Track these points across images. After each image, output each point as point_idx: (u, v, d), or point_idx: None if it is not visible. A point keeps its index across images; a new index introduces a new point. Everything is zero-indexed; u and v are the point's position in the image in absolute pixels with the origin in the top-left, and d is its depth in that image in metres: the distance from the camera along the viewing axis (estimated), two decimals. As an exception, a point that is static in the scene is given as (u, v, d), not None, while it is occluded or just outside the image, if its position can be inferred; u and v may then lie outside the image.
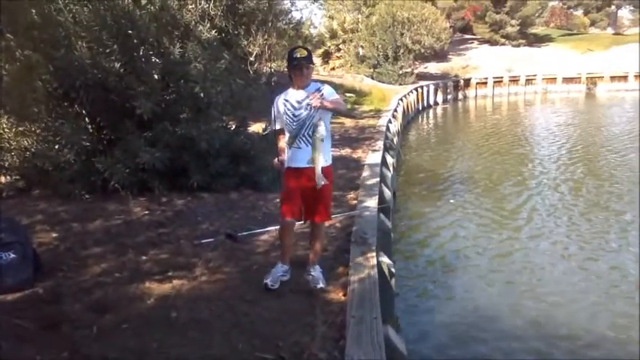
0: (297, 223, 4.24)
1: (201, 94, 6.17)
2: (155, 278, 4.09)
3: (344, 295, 3.97)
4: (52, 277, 4.04)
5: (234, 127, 7.14)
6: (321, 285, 4.06)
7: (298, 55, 3.84)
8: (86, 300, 3.72)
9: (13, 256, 3.81)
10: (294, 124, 3.89)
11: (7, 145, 6.12)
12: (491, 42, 32.92)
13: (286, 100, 3.94)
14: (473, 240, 7.32)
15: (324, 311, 3.77)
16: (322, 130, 3.73)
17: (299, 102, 3.88)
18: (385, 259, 4.82)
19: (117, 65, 5.73)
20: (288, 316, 3.68)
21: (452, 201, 9.13)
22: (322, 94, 3.82)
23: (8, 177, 6.19)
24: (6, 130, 6.09)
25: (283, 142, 3.98)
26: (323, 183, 3.84)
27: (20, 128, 6.06)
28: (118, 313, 3.57)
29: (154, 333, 3.36)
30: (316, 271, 4.14)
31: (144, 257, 4.49)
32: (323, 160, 3.87)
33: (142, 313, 3.60)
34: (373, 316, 3.62)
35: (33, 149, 6.04)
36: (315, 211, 4.05)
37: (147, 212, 5.61)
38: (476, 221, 8.10)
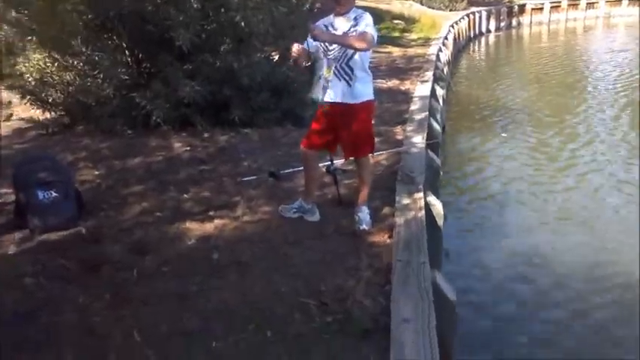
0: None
1: (242, 24, 5.86)
2: (196, 218, 3.98)
3: (390, 237, 3.79)
4: (94, 216, 3.99)
5: (276, 58, 6.84)
6: (364, 227, 3.89)
7: None
8: (127, 240, 3.65)
9: (55, 195, 3.76)
10: (329, 52, 3.61)
11: (51, 80, 6.05)
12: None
13: (325, 26, 3.64)
14: (525, 176, 6.95)
15: (369, 254, 3.60)
16: (321, 68, 3.52)
17: (335, 29, 3.59)
18: (433, 200, 4.58)
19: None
20: (332, 258, 3.54)
21: (504, 134, 8.69)
22: (355, 24, 3.54)
23: (53, 113, 6.13)
24: (48, 64, 5.99)
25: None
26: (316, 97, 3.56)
27: (62, 62, 5.94)
28: (158, 254, 3.49)
29: (194, 275, 3.27)
30: (363, 212, 3.96)
31: (185, 195, 4.39)
32: (350, 95, 3.63)
33: (182, 255, 3.51)
34: (420, 260, 3.44)
35: (75, 84, 5.93)
36: (353, 148, 3.83)
37: (188, 148, 5.49)
38: (528, 156, 7.68)
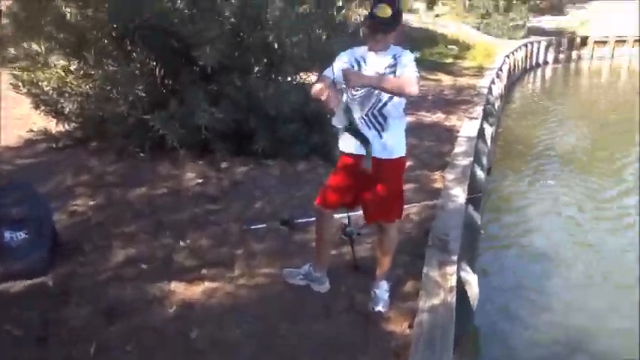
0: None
1: (275, 45, 5.25)
2: (185, 276, 3.36)
3: (409, 326, 3.08)
4: (70, 261, 3.41)
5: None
6: (380, 308, 3.20)
7: (379, 14, 2.81)
8: (97, 300, 3.06)
9: (24, 236, 3.20)
10: (354, 94, 2.95)
11: (69, 90, 5.58)
12: (618, -5, 29.05)
13: (356, 60, 2.98)
14: (573, 232, 6.11)
15: (381, 348, 2.91)
16: (342, 117, 2.87)
17: (366, 66, 2.94)
18: (469, 276, 3.81)
19: (180, 5, 4.90)
20: (335, 346, 2.87)
21: (551, 182, 7.82)
22: (394, 64, 2.87)
23: (67, 125, 5.66)
24: (67, 73, 5.53)
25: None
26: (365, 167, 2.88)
27: (81, 72, 5.46)
28: (127, 323, 2.88)
29: (162, 358, 2.65)
30: (380, 289, 3.28)
31: (181, 243, 3.78)
32: (381, 148, 2.94)
33: (156, 327, 2.89)
34: (445, 362, 2.73)
35: (92, 96, 5.44)
36: (378, 211, 3.14)
37: (200, 181, 4.89)
38: (576, 209, 6.82)
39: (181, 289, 3.23)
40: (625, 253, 5.73)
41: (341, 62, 2.98)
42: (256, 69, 5.48)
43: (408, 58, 2.89)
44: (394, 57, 2.90)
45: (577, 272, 5.33)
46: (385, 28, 2.84)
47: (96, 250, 3.58)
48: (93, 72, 5.33)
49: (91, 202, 4.26)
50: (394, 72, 2.88)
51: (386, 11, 2.80)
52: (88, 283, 3.21)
